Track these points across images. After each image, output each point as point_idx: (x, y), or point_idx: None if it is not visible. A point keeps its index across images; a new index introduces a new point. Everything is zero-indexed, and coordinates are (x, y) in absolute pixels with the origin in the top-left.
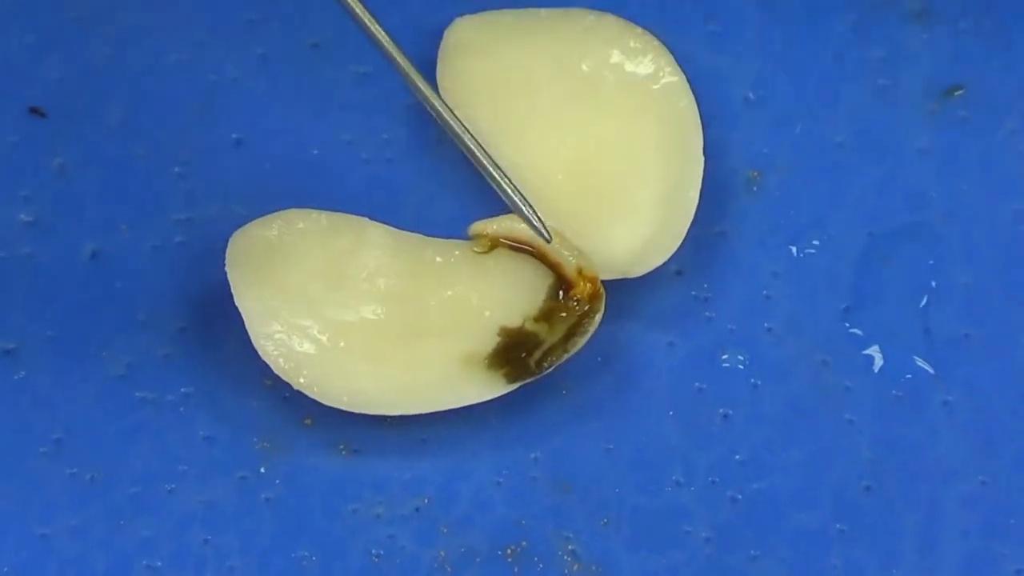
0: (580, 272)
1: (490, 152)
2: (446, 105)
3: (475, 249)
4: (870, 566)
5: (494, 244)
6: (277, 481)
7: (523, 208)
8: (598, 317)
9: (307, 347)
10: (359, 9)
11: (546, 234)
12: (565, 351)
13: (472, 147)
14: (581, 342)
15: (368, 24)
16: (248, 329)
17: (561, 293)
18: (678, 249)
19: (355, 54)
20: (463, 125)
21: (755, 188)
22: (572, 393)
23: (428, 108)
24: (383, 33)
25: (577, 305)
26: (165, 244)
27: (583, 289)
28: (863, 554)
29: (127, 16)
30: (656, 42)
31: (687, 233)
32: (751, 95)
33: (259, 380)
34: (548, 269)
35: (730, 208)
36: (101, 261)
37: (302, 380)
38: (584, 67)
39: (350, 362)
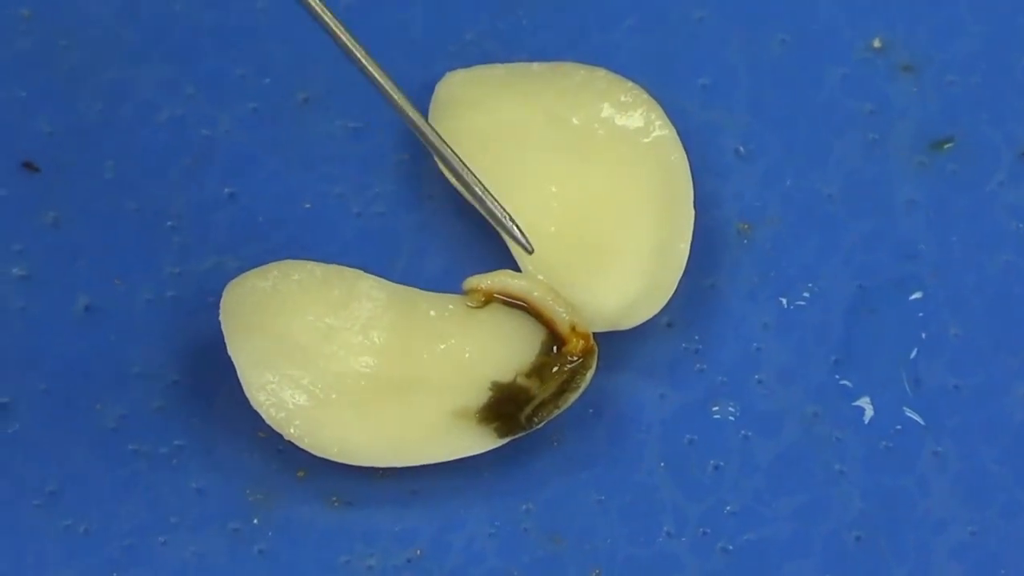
0: (573, 328)
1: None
2: (435, 132)
3: (469, 303)
4: None
5: (488, 299)
6: (270, 533)
7: (505, 221)
8: (590, 373)
9: (299, 398)
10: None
11: (528, 245)
12: (556, 407)
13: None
14: (572, 398)
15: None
16: (241, 379)
17: (554, 349)
18: (669, 301)
19: (346, 108)
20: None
21: (745, 241)
22: (564, 444)
23: (419, 136)
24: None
25: (569, 361)
26: (158, 297)
27: (576, 345)
28: None
29: (119, 71)
30: (646, 96)
31: (678, 285)
32: (741, 148)
33: (252, 432)
34: (541, 325)
35: (721, 260)
36: (94, 314)
37: (293, 431)
38: (575, 121)
39: (341, 414)
